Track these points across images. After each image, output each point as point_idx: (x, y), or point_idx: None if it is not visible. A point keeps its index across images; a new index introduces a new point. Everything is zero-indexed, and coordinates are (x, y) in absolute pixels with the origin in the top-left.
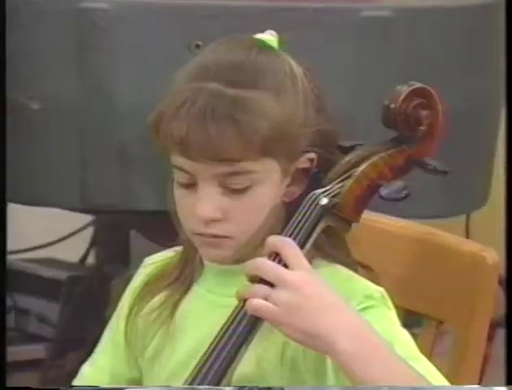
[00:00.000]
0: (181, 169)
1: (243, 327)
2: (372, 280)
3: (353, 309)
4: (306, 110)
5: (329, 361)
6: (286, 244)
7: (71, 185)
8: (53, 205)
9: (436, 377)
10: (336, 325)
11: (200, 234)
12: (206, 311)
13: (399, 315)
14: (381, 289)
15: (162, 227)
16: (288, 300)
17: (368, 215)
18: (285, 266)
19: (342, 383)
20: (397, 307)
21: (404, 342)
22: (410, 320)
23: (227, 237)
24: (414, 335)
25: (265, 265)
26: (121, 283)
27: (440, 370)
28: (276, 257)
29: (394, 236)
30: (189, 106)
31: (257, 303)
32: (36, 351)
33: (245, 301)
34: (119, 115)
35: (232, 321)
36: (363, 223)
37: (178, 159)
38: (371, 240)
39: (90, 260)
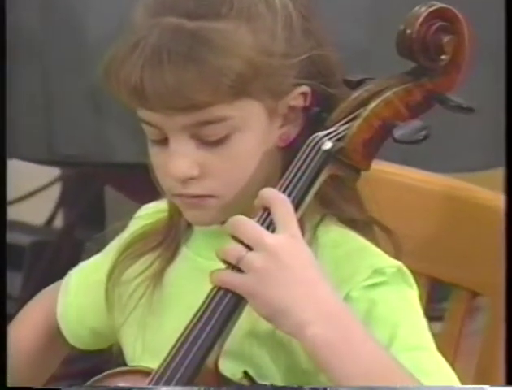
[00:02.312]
0: (147, 122)
1: (227, 302)
2: (393, 244)
3: (334, 289)
4: (290, 34)
5: None
6: (277, 200)
7: (34, 133)
8: (13, 157)
9: (439, 370)
10: (308, 304)
11: (179, 195)
12: (195, 277)
13: (423, 285)
14: (397, 263)
15: (142, 182)
16: (261, 266)
17: (388, 167)
18: (272, 226)
19: None
20: (422, 275)
21: (412, 327)
22: (438, 292)
23: (209, 196)
24: (442, 310)
25: (243, 224)
26: (95, 250)
27: (471, 352)
28: (266, 213)
29: (419, 191)
30: (142, 46)
31: (220, 274)
32: None
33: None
34: (90, 53)
35: (214, 295)
36: (382, 176)
37: (141, 111)
38: (392, 197)
39: (58, 222)
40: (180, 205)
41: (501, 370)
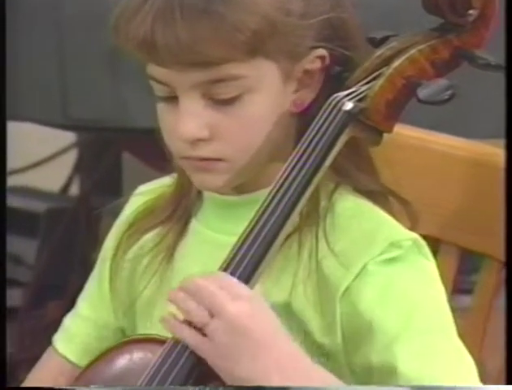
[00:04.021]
0: (155, 79)
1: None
2: (409, 215)
3: (295, 347)
4: None
5: (338, 313)
6: (204, 288)
7: (49, 96)
8: (27, 121)
9: (455, 355)
10: (274, 374)
11: (187, 157)
12: (204, 251)
13: (452, 256)
14: (413, 236)
15: (161, 149)
16: (226, 339)
17: (413, 132)
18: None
19: (349, 338)
20: (450, 245)
21: (428, 309)
22: (468, 263)
23: (219, 160)
24: (472, 283)
25: (203, 289)
26: (112, 217)
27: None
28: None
29: (446, 157)
30: None
31: (185, 330)
32: (9, 298)
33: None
34: (106, 13)
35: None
36: (403, 141)
37: (150, 67)
38: (410, 164)
39: (73, 189)
40: (188, 168)
41: None
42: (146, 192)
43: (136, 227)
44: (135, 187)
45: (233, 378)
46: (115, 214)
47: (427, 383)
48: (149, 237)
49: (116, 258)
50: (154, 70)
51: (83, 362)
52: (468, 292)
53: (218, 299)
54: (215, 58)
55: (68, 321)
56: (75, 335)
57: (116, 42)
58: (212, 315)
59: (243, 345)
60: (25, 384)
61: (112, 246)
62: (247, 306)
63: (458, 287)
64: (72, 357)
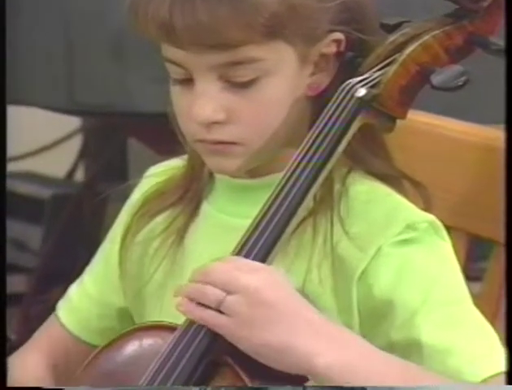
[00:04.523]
0: (172, 61)
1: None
2: (423, 199)
3: (321, 314)
4: None
5: (355, 296)
6: (220, 270)
7: (55, 81)
8: (33, 106)
9: (475, 325)
10: (307, 335)
11: (202, 140)
12: (216, 234)
13: (461, 243)
14: (430, 217)
15: (168, 134)
16: (246, 309)
17: (425, 118)
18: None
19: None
20: (460, 232)
21: (446, 283)
22: (477, 250)
23: (234, 143)
24: (481, 270)
25: (214, 269)
26: (118, 202)
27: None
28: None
29: (457, 143)
30: None
31: (200, 311)
32: (14, 283)
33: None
34: None
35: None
36: (414, 126)
37: (167, 49)
38: (429, 149)
39: (79, 175)
40: (203, 152)
41: None
42: (157, 174)
43: (147, 209)
44: (141, 172)
45: (256, 348)
46: (121, 199)
47: (452, 352)
48: (159, 220)
49: (126, 241)
50: (170, 52)
51: (82, 335)
52: (477, 279)
53: (232, 276)
54: (234, 40)
55: (73, 292)
56: (77, 308)
57: (133, 22)
58: (228, 292)
59: (263, 313)
60: (25, 348)
61: (122, 229)
62: (264, 277)
63: (467, 274)
64: (72, 329)
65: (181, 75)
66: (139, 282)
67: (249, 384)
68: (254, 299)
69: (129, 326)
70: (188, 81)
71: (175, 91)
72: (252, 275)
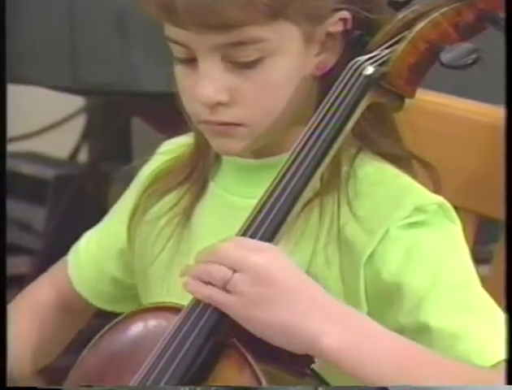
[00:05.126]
0: (174, 41)
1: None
2: (433, 180)
3: (327, 293)
4: None
5: (362, 280)
6: (227, 250)
7: (57, 59)
8: (35, 85)
9: (485, 308)
10: (313, 314)
11: (206, 122)
12: (223, 214)
13: (470, 224)
14: (439, 199)
15: (172, 114)
16: (253, 288)
17: (434, 97)
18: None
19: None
20: (469, 213)
21: (455, 266)
22: (486, 232)
23: (239, 125)
24: (490, 253)
25: (221, 248)
26: (122, 183)
27: None
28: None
29: (467, 123)
30: None
31: (207, 289)
32: (17, 265)
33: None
34: None
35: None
36: (424, 106)
37: (169, 29)
38: (437, 129)
39: (82, 155)
40: (207, 133)
41: None
42: (168, 152)
43: (156, 188)
44: (145, 153)
45: (261, 327)
46: (125, 179)
47: (461, 337)
48: (166, 199)
49: (135, 218)
50: (172, 31)
51: (83, 292)
52: (486, 261)
53: (239, 254)
54: (235, 21)
55: (83, 243)
56: (81, 266)
57: (136, 1)
58: (234, 271)
59: (270, 293)
60: (31, 287)
61: (131, 206)
62: (271, 256)
63: (476, 256)
64: (74, 282)
65: (184, 55)
66: (144, 262)
67: (255, 365)
68: (261, 278)
69: (127, 295)
70: (191, 61)
71: (179, 71)
72: (259, 254)
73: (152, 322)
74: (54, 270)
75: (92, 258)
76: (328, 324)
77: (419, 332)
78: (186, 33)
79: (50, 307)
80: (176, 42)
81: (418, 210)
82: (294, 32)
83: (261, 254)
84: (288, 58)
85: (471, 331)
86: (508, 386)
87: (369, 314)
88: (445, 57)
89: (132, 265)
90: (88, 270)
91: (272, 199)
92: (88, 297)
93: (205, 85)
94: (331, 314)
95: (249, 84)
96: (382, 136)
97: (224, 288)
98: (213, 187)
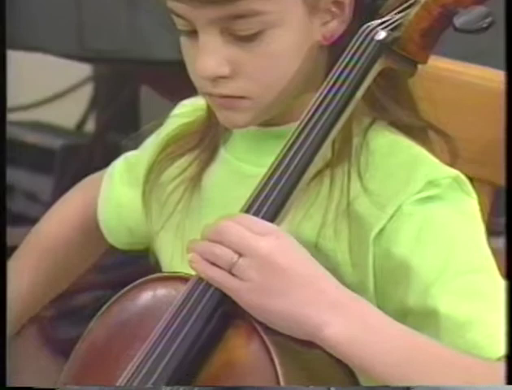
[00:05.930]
0: (176, 13)
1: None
2: (450, 150)
3: (336, 281)
4: None
5: (371, 255)
6: (233, 226)
7: (64, 26)
8: (41, 52)
9: (497, 293)
10: (318, 304)
11: (209, 94)
12: (233, 181)
13: (486, 195)
14: (453, 173)
15: (182, 81)
16: (259, 275)
17: (445, 64)
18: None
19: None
20: (484, 183)
21: (468, 248)
22: (500, 204)
23: (242, 97)
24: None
25: (227, 229)
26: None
27: None
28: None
29: (480, 90)
30: None
31: (211, 269)
32: (23, 234)
33: None
34: None
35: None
36: (439, 74)
37: (171, 1)
38: (449, 97)
39: (90, 125)
40: (212, 104)
41: None
42: (182, 115)
43: (170, 151)
44: (153, 121)
45: (265, 315)
46: (133, 148)
47: (471, 325)
48: (177, 164)
49: (149, 182)
50: (172, 4)
51: (103, 227)
52: (501, 233)
53: (245, 238)
54: None
55: (117, 170)
56: (108, 198)
57: None
58: (240, 255)
59: (275, 281)
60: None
61: (147, 166)
62: (277, 242)
63: (491, 228)
64: (98, 210)
65: (186, 27)
66: (156, 225)
67: (264, 335)
68: (266, 265)
69: (141, 243)
70: (193, 33)
71: (183, 42)
72: (264, 238)
73: (161, 291)
74: (92, 180)
75: (117, 194)
76: (332, 314)
77: (427, 316)
78: (184, 6)
79: (76, 219)
80: (178, 15)
81: (431, 183)
82: (296, 3)
83: (266, 239)
84: (290, 29)
85: (482, 320)
86: (508, 386)
87: (376, 290)
88: (459, 21)
89: (148, 227)
90: (110, 205)
91: (279, 171)
92: (104, 230)
93: (204, 59)
94: (335, 303)
95: (250, 57)
96: (397, 105)
97: (230, 271)
98: (224, 153)
